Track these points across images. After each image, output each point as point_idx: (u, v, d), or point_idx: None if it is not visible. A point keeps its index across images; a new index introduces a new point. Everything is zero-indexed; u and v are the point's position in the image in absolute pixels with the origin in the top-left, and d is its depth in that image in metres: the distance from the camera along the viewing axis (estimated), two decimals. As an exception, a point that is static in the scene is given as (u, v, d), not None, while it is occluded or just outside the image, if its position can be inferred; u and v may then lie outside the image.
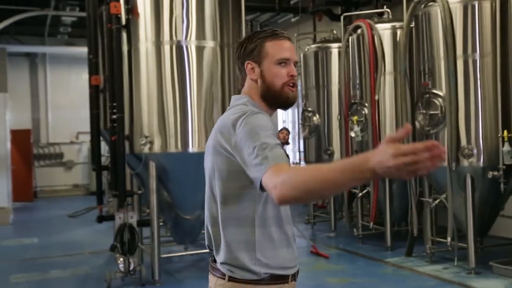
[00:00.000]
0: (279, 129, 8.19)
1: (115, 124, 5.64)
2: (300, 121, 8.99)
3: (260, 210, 1.83)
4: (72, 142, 15.33)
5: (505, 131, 5.31)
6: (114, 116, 5.67)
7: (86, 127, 7.39)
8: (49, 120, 15.16)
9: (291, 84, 1.92)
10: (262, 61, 1.92)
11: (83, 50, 12.30)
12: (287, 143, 8.30)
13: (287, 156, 1.76)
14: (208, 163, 1.91)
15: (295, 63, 1.95)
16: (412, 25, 6.33)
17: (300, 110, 9.06)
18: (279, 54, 1.91)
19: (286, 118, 13.65)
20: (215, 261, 1.90)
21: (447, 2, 5.74)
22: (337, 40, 8.57)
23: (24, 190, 13.78)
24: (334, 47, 8.51)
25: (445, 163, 5.72)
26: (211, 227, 1.90)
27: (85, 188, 15.20)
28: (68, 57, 14.58)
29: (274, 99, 1.92)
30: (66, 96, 14.90)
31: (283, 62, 1.91)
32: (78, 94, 14.20)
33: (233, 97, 1.99)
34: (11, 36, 13.79)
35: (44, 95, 15.15)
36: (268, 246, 1.83)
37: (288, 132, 8.39)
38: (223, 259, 1.84)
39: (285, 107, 1.97)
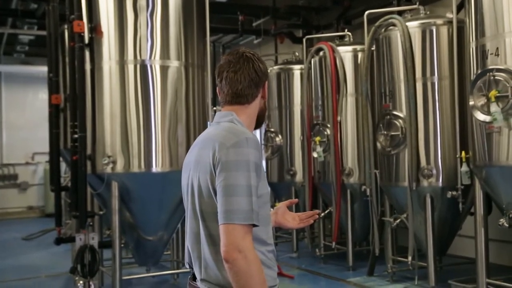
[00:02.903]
0: None
1: (76, 144, 5.55)
2: (263, 142, 9.04)
3: None
4: (27, 163, 14.94)
5: (463, 152, 5.48)
6: (76, 136, 5.58)
7: (43, 147, 7.28)
8: (3, 141, 14.75)
9: None
10: (265, 90, 2.11)
11: (40, 69, 12.14)
12: None
13: None
14: (193, 179, 1.90)
15: None
16: (373, 48, 6.50)
17: (263, 131, 9.12)
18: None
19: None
20: (194, 279, 1.89)
21: (407, 26, 5.93)
22: (299, 62, 8.72)
23: (-25, 212, 13.31)
24: (296, 69, 8.66)
25: (406, 183, 5.86)
26: (191, 244, 1.90)
27: (40, 210, 14.79)
28: (24, 76, 14.28)
29: (261, 122, 2.08)
30: (22, 116, 14.57)
31: None
32: (34, 114, 13.91)
33: (218, 113, 2.01)
34: (-35, 54, 13.46)
35: (-1, 114, 14.77)
36: None
37: None
38: (203, 276, 1.84)
39: (259, 127, 2.13)
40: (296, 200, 2.44)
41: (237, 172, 1.76)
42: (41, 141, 11.04)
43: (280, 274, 6.92)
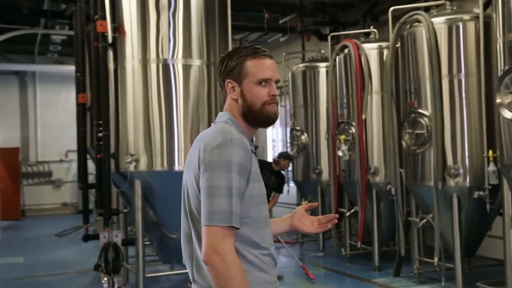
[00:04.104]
0: (276, 156, 7.65)
1: (100, 142, 5.58)
2: (289, 140, 8.97)
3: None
4: (61, 161, 15.22)
5: (490, 151, 5.30)
6: (100, 134, 5.61)
7: (75, 145, 7.35)
8: (38, 138, 15.06)
9: (274, 103, 1.91)
10: (243, 81, 1.90)
11: (72, 68, 12.31)
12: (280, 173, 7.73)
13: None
14: (186, 179, 1.90)
15: (277, 82, 1.93)
16: (398, 45, 6.36)
17: (289, 129, 9.05)
18: (260, 74, 1.88)
19: (275, 137, 13.66)
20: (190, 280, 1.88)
21: (432, 22, 5.78)
22: (325, 59, 8.61)
23: (11, 208, 13.63)
24: (322, 67, 8.56)
25: (432, 183, 5.71)
26: (183, 244, 1.90)
27: (74, 207, 15.06)
28: (57, 76, 14.53)
29: (255, 118, 1.91)
30: (55, 115, 14.84)
31: (263, 81, 1.89)
32: (67, 112, 14.13)
33: (219, 114, 1.98)
34: (1, 55, 13.77)
35: (34, 113, 15.08)
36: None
37: (290, 161, 7.80)
38: (195, 277, 1.82)
39: (266, 125, 1.95)
40: (316, 204, 2.32)
41: (219, 173, 1.73)
42: (74, 139, 11.14)
43: (305, 271, 6.85)
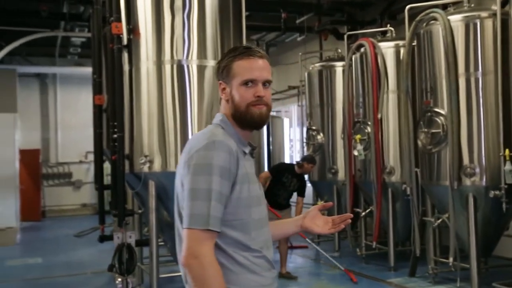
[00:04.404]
0: (300, 159, 7.58)
1: (115, 143, 5.63)
2: (305, 140, 8.96)
3: (223, 231, 1.79)
4: (81, 162, 15.42)
5: (507, 150, 5.24)
6: (115, 136, 5.66)
7: (95, 146, 7.43)
8: (59, 140, 15.29)
9: (260, 104, 1.86)
10: (231, 81, 1.89)
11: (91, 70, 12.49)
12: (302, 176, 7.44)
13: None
14: (176, 181, 1.90)
15: (267, 82, 1.90)
16: (415, 43, 6.32)
17: (305, 129, 9.05)
18: (245, 75, 1.86)
19: (293, 136, 13.66)
20: None
21: (448, 20, 5.73)
22: (341, 58, 8.60)
23: (32, 209, 13.85)
24: (339, 66, 8.55)
25: (447, 182, 5.66)
26: (177, 246, 1.89)
27: (93, 208, 15.21)
28: (77, 77, 14.72)
29: (241, 120, 1.89)
30: (75, 116, 15.03)
31: (249, 82, 1.86)
32: (87, 113, 14.25)
33: (216, 115, 1.98)
34: (22, 57, 14.00)
35: (54, 115, 15.32)
36: (231, 270, 1.80)
37: (314, 164, 7.37)
38: (187, 280, 1.80)
39: (253, 127, 1.91)
40: (331, 204, 2.25)
41: (200, 176, 1.74)
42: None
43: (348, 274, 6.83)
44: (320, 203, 8.06)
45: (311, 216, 2.13)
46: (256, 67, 1.88)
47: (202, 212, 1.71)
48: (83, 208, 15.41)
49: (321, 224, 2.11)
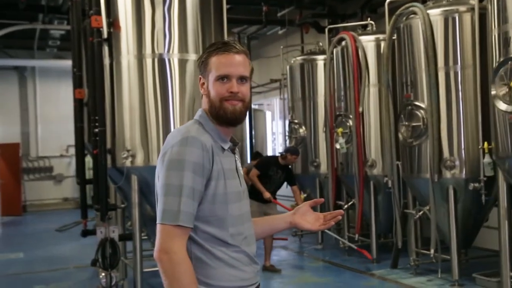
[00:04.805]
0: (283, 150, 7.62)
1: (97, 138, 5.59)
2: (287, 133, 8.99)
3: (199, 227, 1.81)
4: (61, 156, 15.29)
5: (486, 143, 5.32)
6: (96, 130, 5.61)
7: (76, 140, 7.36)
8: (39, 134, 15.13)
9: (235, 100, 1.86)
10: (208, 77, 1.90)
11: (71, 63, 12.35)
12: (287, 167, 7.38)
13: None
14: (156, 175, 1.91)
15: (243, 78, 1.89)
16: (395, 37, 6.36)
17: (287, 122, 9.07)
18: (219, 70, 1.86)
19: (275, 130, 13.69)
20: None
21: (428, 14, 5.78)
22: (323, 52, 8.62)
23: (12, 204, 13.71)
24: (320, 59, 8.57)
25: (428, 175, 5.73)
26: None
27: (75, 202, 15.11)
28: (57, 71, 14.55)
29: (216, 115, 1.89)
30: (55, 109, 14.88)
31: (224, 77, 1.86)
32: (67, 107, 14.09)
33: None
34: (0, 50, 13.79)
35: (34, 108, 15.14)
36: (209, 265, 1.81)
37: (297, 155, 7.33)
38: None
39: (227, 123, 1.90)
40: (322, 200, 2.25)
41: (172, 171, 1.76)
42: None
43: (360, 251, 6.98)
44: (303, 196, 8.12)
45: (301, 212, 2.11)
46: (231, 62, 1.87)
47: (173, 208, 1.72)
48: (64, 203, 15.30)
49: (312, 220, 2.10)
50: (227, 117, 1.87)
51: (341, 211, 2.16)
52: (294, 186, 7.18)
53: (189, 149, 1.76)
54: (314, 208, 2.15)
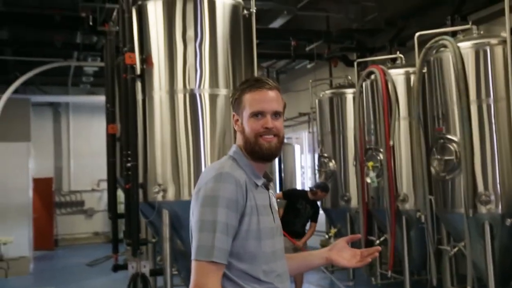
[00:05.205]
0: (314, 186, 7.64)
1: (129, 172, 5.65)
2: (317, 167, 8.94)
3: (233, 263, 1.81)
4: (93, 190, 15.48)
5: (522, 176, 5.20)
6: (129, 164, 5.68)
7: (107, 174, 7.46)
8: (71, 168, 15.38)
9: (269, 136, 1.89)
10: (242, 113, 1.93)
11: (104, 98, 12.60)
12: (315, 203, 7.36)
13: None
14: (190, 211, 1.93)
15: (277, 113, 1.92)
16: (425, 70, 6.33)
17: (316, 156, 9.04)
18: (253, 107, 1.90)
19: (304, 163, 13.63)
20: None
21: (458, 47, 5.75)
22: (352, 85, 8.64)
23: (45, 238, 13.87)
24: (349, 93, 8.58)
25: (462, 210, 5.61)
26: None
27: (106, 236, 15.21)
28: (90, 106, 14.89)
29: (252, 151, 1.91)
30: (87, 144, 15.13)
31: (258, 114, 1.90)
32: (99, 142, 14.36)
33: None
34: (36, 86, 14.19)
35: (67, 143, 15.45)
36: None
37: (327, 193, 7.40)
38: None
39: (262, 159, 1.93)
40: (359, 236, 2.26)
41: (206, 207, 1.77)
42: (106, 168, 11.38)
43: None
44: (333, 231, 8.03)
45: (338, 248, 2.10)
46: (265, 99, 1.91)
47: (207, 243, 1.73)
48: (95, 237, 15.40)
49: (348, 257, 2.08)
50: (263, 153, 1.90)
51: (379, 247, 2.13)
52: (314, 222, 7.14)
53: (223, 185, 1.78)
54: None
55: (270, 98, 1.91)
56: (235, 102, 1.96)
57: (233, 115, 1.98)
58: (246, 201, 1.81)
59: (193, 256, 1.76)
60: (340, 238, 2.18)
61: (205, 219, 1.76)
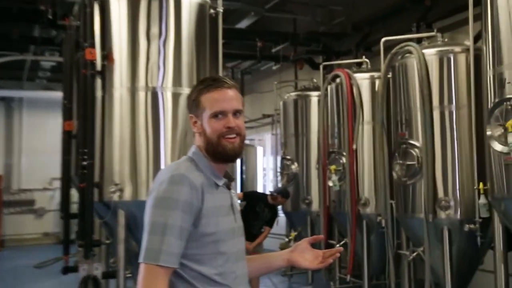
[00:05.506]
0: (274, 191, 7.71)
1: (85, 171, 5.58)
2: (279, 169, 9.02)
3: (188, 265, 1.85)
4: (45, 189, 15.14)
5: (481, 183, 5.36)
6: (85, 163, 5.61)
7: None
8: (22, 166, 15.00)
9: (231, 136, 1.90)
10: (201, 115, 1.93)
11: (60, 94, 12.31)
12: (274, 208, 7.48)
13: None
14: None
15: (238, 112, 1.93)
16: (390, 75, 6.47)
17: (279, 158, 9.11)
18: (213, 107, 1.91)
19: (266, 165, 13.70)
20: None
21: (423, 54, 5.89)
22: (317, 88, 8.75)
23: (-10, 239, 13.49)
24: (314, 95, 8.70)
25: (422, 215, 5.75)
26: None
27: (56, 237, 14.91)
28: (45, 102, 14.55)
29: (214, 153, 1.92)
30: (41, 141, 14.80)
31: (219, 114, 1.91)
32: (54, 139, 14.09)
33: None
34: (-13, 80, 13.84)
35: (18, 139, 15.07)
36: None
37: (287, 199, 7.56)
38: None
39: (226, 160, 1.95)
40: (321, 236, 2.28)
41: (157, 209, 1.79)
42: (60, 166, 11.16)
43: None
44: (293, 234, 8.11)
45: (300, 249, 2.11)
46: (225, 98, 1.92)
47: (155, 247, 1.75)
48: (45, 237, 15.07)
49: (310, 258, 2.09)
50: (227, 154, 1.92)
51: (340, 248, 2.18)
52: (269, 227, 7.22)
53: (177, 187, 1.80)
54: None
55: (230, 97, 1.92)
56: (193, 104, 1.96)
57: (191, 117, 1.98)
58: (203, 204, 1.83)
59: (140, 259, 1.78)
60: (302, 240, 2.18)
61: (156, 221, 1.77)
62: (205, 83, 1.96)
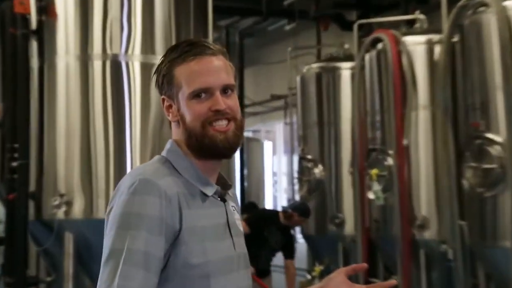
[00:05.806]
0: (288, 206, 7.76)
1: (14, 175, 5.64)
2: (296, 174, 8.95)
3: None
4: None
5: None
6: (15, 163, 5.65)
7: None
8: None
9: (222, 122, 1.90)
10: (177, 96, 1.93)
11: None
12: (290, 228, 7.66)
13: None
14: None
15: (229, 88, 1.93)
16: (456, 39, 6.39)
17: (296, 158, 9.04)
18: (193, 84, 1.90)
19: (277, 168, 13.69)
20: None
21: (505, 7, 5.78)
22: (349, 57, 8.69)
23: None
24: (345, 68, 8.65)
25: (509, 243, 5.66)
26: None
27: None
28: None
29: (199, 147, 1.93)
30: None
31: (201, 93, 1.90)
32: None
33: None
34: None
35: None
36: None
37: (307, 218, 7.64)
38: None
39: (217, 156, 1.96)
40: (364, 265, 2.23)
41: (115, 230, 1.79)
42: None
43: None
44: (319, 269, 8.06)
45: (336, 283, 2.07)
46: (208, 69, 1.91)
47: (108, 283, 1.75)
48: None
49: None
50: (217, 147, 1.91)
51: (394, 281, 2.15)
52: (290, 260, 7.25)
53: (140, 198, 1.80)
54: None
55: (215, 68, 1.92)
56: (164, 80, 1.96)
57: (163, 99, 1.98)
58: (181, 222, 1.83)
59: None
60: (336, 270, 2.15)
61: (113, 247, 1.78)
62: (179, 49, 1.95)
